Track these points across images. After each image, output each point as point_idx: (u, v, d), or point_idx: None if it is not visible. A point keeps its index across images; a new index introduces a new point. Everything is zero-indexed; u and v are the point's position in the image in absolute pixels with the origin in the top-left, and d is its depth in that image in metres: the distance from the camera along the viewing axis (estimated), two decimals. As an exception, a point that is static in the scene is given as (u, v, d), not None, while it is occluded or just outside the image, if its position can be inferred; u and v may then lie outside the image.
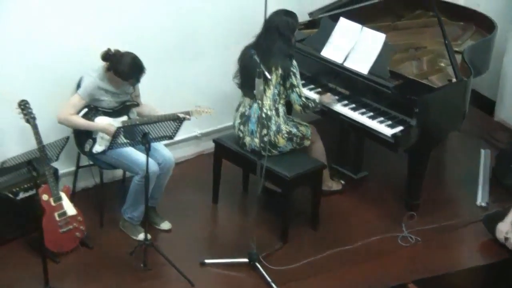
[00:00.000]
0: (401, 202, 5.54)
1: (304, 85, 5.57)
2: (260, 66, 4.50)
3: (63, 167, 5.27)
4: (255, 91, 4.60)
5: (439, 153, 6.30)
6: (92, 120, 4.95)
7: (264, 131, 5.09)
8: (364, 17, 5.93)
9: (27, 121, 4.66)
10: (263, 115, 5.08)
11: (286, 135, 5.15)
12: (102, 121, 4.97)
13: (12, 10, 4.83)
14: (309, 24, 6.05)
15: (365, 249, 5.16)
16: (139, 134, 4.64)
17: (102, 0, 5.24)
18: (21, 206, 4.85)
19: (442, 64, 5.68)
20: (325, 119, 5.67)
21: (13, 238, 4.95)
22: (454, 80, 5.35)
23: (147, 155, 4.57)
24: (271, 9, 5.13)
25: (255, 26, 5.18)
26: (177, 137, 5.82)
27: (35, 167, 4.41)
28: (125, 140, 4.75)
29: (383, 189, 5.84)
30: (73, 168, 5.32)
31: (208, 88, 5.80)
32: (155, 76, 5.43)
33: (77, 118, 4.91)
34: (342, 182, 5.80)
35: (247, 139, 5.20)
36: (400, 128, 5.16)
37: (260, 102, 4.86)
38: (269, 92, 5.08)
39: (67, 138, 4.58)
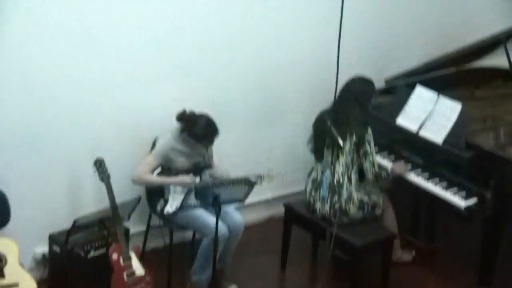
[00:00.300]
0: (474, 277, 5.33)
1: (377, 153, 5.49)
2: (333, 134, 4.48)
3: (134, 226, 5.28)
4: (323, 161, 4.57)
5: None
6: (166, 181, 5.01)
7: (335, 198, 5.04)
8: (441, 86, 5.84)
9: (102, 179, 4.72)
10: (335, 182, 5.04)
11: (357, 203, 5.08)
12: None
13: (93, 70, 4.94)
14: (385, 91, 6.01)
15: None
16: (211, 196, 4.64)
17: (183, 62, 5.32)
18: (91, 264, 4.88)
19: (521, 136, 5.56)
20: (398, 188, 5.59)
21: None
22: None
23: (217, 217, 4.55)
24: (349, 75, 5.25)
25: (331, 91, 5.20)
26: (249, 200, 5.84)
27: (106, 226, 4.47)
28: (196, 202, 4.75)
29: (455, 262, 5.67)
30: (143, 228, 5.33)
31: (282, 152, 5.79)
32: (229, 138, 5.49)
33: (151, 176, 4.95)
34: (413, 252, 5.68)
35: (318, 205, 5.15)
36: (474, 200, 5.04)
37: (331, 168, 4.82)
38: (342, 159, 5.04)
39: (139, 198, 4.61)
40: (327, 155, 4.64)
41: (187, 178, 4.90)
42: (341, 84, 5.18)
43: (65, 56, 4.80)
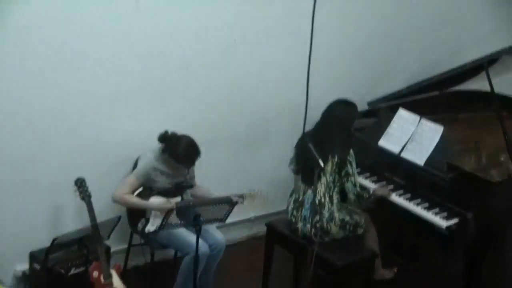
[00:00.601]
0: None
1: (360, 173, 5.50)
2: (314, 155, 4.47)
3: (115, 244, 5.27)
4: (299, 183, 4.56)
5: (500, 252, 6.12)
6: (147, 200, 4.97)
7: (317, 218, 5.03)
8: (424, 109, 5.84)
9: (83, 198, 4.69)
10: (317, 202, 5.03)
11: (339, 222, 5.06)
12: (156, 200, 4.99)
13: (75, 90, 4.94)
14: (368, 113, 6.02)
15: None
16: (191, 216, 4.62)
17: (166, 84, 5.32)
18: (72, 282, 4.83)
19: (502, 159, 5.53)
20: (381, 207, 5.57)
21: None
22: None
23: (198, 236, 4.52)
24: (332, 98, 5.26)
25: (315, 114, 5.23)
26: (231, 219, 5.80)
27: (86, 244, 4.45)
28: (177, 221, 4.73)
29: (437, 282, 5.66)
30: (125, 246, 5.31)
31: (264, 172, 5.78)
32: (212, 158, 5.49)
33: (131, 197, 4.93)
34: (395, 270, 5.65)
35: (300, 225, 5.13)
36: (455, 220, 5.02)
37: (313, 188, 4.81)
38: (324, 179, 5.03)
39: (119, 217, 4.60)
40: (297, 180, 4.65)
41: (165, 204, 4.88)
42: (324, 106, 5.26)
43: (47, 75, 4.79)
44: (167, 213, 4.66)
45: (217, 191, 5.17)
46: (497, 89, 5.49)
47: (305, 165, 5.05)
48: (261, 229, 5.65)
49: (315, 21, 4.98)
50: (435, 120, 5.57)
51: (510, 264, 6.21)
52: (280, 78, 5.81)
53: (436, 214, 5.11)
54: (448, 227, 5.00)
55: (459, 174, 5.20)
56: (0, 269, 4.43)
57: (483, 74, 5.64)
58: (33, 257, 4.87)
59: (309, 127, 5.19)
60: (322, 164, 4.51)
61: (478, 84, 5.92)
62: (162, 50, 5.23)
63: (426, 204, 5.22)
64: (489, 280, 5.53)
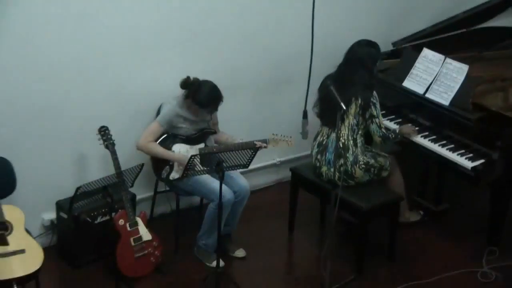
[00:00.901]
0: (482, 236, 5.23)
1: (384, 116, 5.42)
2: (336, 97, 4.40)
3: (142, 192, 5.28)
4: (300, 132, 4.50)
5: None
6: (170, 147, 4.94)
7: (341, 161, 4.97)
8: (449, 48, 5.73)
9: (106, 146, 4.68)
10: (340, 145, 4.97)
11: (363, 165, 5.00)
12: (179, 149, 4.95)
13: (97, 41, 4.87)
14: (392, 54, 5.89)
15: (442, 284, 4.91)
16: (215, 162, 4.59)
17: (187, 30, 5.22)
18: (98, 230, 4.86)
19: (530, 97, 5.43)
20: (405, 150, 5.51)
21: (91, 261, 4.93)
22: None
23: (221, 183, 4.49)
24: (356, 38, 5.16)
25: (339, 57, 5.13)
26: (257, 165, 5.82)
27: (109, 193, 4.44)
28: (201, 168, 4.70)
29: (464, 223, 5.60)
30: (151, 194, 5.31)
31: (288, 117, 5.69)
32: (235, 104, 5.43)
33: (155, 146, 4.91)
34: (421, 212, 5.61)
35: (324, 169, 5.08)
36: (481, 161, 4.94)
37: (337, 131, 4.75)
38: (348, 122, 4.96)
39: (142, 165, 4.57)
40: (304, 124, 4.58)
41: (183, 158, 4.84)
42: (347, 47, 5.16)
43: (68, 28, 4.72)
44: (187, 166, 4.64)
45: (241, 137, 5.11)
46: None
47: (327, 108, 4.98)
48: (287, 174, 5.59)
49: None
50: (460, 59, 5.45)
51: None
52: (300, 21, 5.71)
53: (462, 155, 5.03)
54: (473, 168, 4.92)
55: (485, 114, 5.10)
56: (29, 219, 4.41)
57: (510, 10, 5.51)
58: (59, 206, 4.89)
59: (330, 70, 5.11)
60: (344, 106, 4.43)
61: (506, 20, 5.78)
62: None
63: (452, 145, 5.14)
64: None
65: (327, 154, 5.07)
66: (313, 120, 5.24)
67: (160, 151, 4.92)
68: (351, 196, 4.92)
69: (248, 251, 5.16)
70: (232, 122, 5.39)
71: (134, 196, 5.02)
